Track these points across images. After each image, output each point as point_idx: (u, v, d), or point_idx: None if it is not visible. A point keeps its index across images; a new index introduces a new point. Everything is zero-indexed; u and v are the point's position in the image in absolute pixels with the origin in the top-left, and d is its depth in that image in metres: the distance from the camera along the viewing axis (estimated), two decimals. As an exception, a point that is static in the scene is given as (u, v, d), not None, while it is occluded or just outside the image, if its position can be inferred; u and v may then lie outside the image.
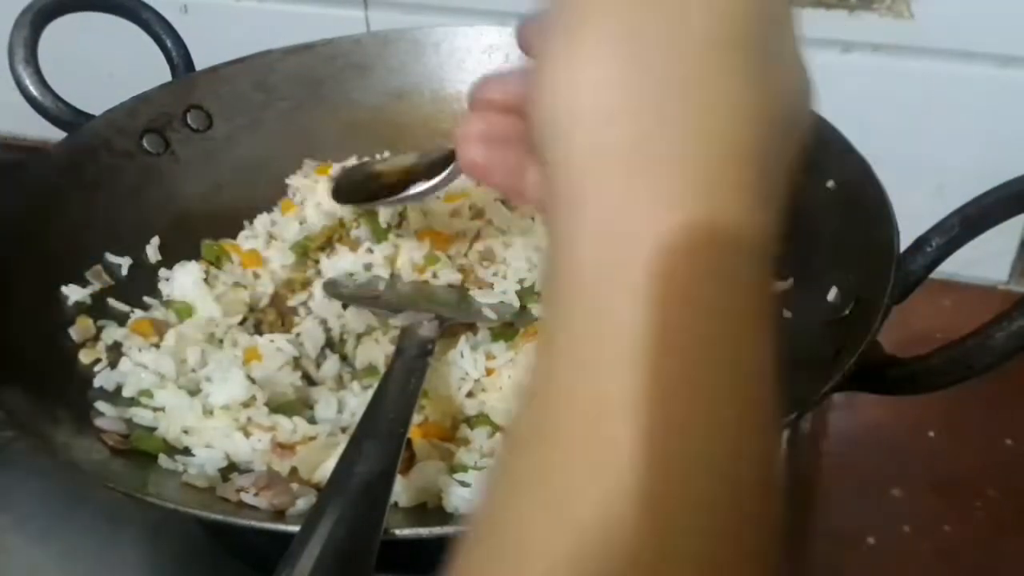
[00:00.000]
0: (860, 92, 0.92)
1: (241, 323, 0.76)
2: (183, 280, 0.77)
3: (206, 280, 0.77)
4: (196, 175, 0.88)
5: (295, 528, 0.50)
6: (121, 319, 0.75)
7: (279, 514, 0.56)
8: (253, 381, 0.68)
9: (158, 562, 0.73)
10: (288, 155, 0.91)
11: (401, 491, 0.59)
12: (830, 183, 0.72)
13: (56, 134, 0.84)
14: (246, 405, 0.66)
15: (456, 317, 0.72)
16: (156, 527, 0.73)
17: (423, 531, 0.51)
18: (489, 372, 0.70)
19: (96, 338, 0.73)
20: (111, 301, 0.76)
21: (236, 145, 0.90)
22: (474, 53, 0.94)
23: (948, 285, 0.95)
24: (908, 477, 0.82)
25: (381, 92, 0.95)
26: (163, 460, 0.62)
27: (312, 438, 0.64)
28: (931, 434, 0.86)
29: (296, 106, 0.93)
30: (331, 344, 0.76)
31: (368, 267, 0.79)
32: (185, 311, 0.75)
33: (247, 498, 0.57)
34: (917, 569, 0.77)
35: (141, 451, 0.62)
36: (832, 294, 0.65)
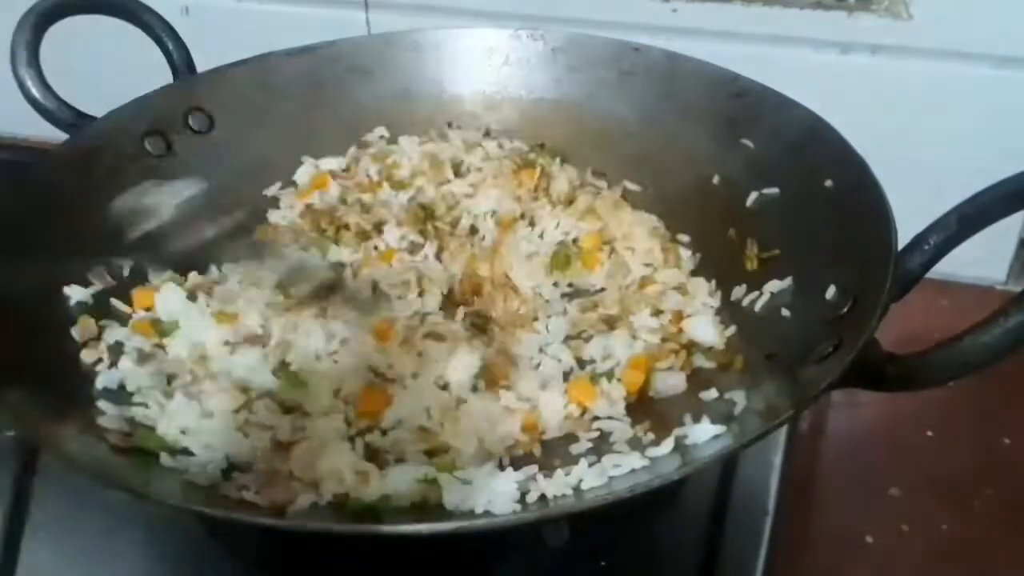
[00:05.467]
0: (858, 92, 0.92)
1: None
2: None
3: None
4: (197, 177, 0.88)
5: (295, 524, 0.50)
6: (123, 319, 0.75)
7: (280, 511, 0.56)
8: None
9: (158, 562, 0.73)
10: (289, 157, 0.91)
11: (397, 489, 0.59)
12: (828, 183, 0.73)
13: (58, 135, 0.84)
14: (246, 406, 0.67)
15: None
16: (156, 527, 0.73)
17: (423, 528, 0.51)
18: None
19: (98, 338, 0.73)
20: (113, 301, 0.76)
21: (238, 147, 0.91)
22: (474, 55, 0.95)
23: (947, 285, 0.95)
24: (906, 476, 0.83)
25: (382, 94, 0.95)
26: (165, 459, 0.62)
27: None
28: (929, 434, 0.86)
29: (297, 108, 0.93)
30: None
31: None
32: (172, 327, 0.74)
33: (248, 495, 0.57)
34: (915, 567, 0.77)
35: (143, 449, 0.62)
36: (831, 292, 0.65)
